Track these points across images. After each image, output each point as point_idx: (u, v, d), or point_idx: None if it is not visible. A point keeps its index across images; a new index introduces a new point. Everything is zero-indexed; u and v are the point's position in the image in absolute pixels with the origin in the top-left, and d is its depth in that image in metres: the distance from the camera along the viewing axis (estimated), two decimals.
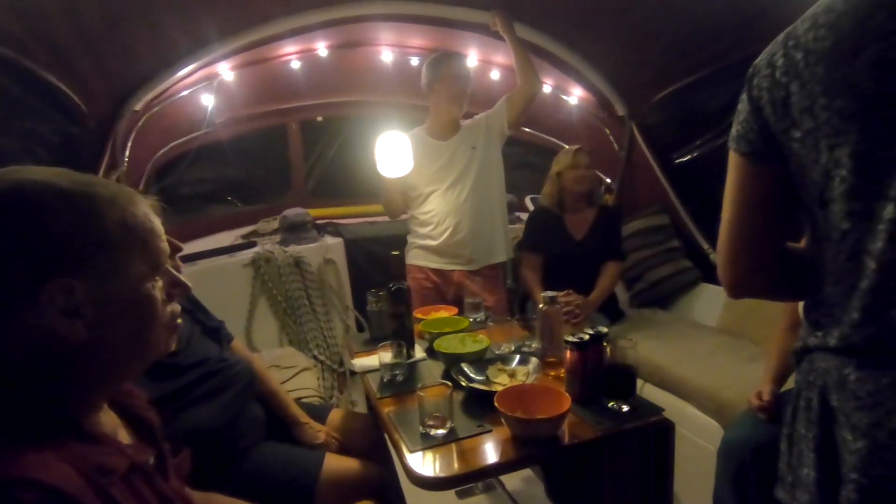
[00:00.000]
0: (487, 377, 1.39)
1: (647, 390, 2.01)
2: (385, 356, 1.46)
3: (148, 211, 0.65)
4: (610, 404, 1.22)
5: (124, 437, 0.70)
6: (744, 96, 0.74)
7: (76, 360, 0.59)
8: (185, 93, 2.27)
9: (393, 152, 1.95)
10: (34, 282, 0.55)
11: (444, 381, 1.24)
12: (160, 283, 0.66)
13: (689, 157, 2.80)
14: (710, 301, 2.54)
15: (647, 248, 2.75)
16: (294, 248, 2.52)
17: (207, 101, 2.38)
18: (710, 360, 2.00)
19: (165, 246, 0.67)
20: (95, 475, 0.54)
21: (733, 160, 0.75)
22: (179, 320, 0.70)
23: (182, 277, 0.70)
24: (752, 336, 2.16)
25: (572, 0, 2.12)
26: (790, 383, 1.45)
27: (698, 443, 1.76)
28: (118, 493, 0.56)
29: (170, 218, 2.75)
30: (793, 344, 1.46)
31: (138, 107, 2.04)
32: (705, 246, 2.69)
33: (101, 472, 0.55)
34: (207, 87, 2.33)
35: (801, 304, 1.35)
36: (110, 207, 0.60)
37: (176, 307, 0.69)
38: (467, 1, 2.15)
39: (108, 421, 0.68)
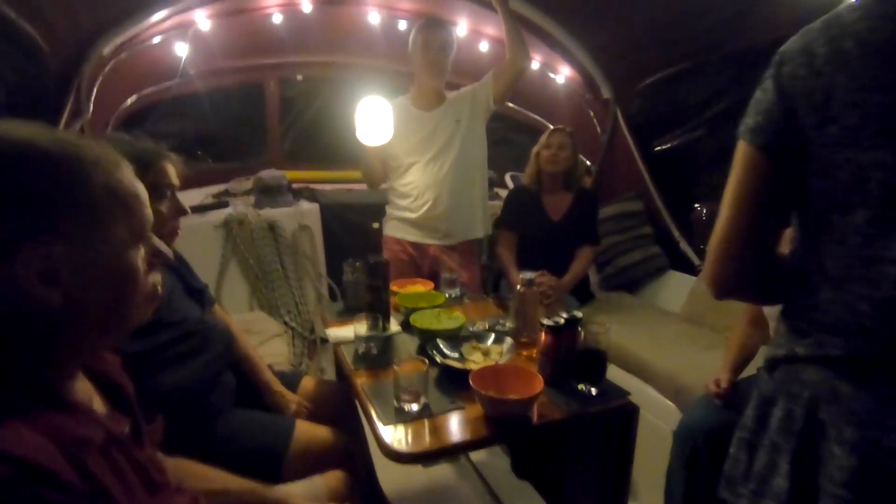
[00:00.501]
0: (462, 354, 1.41)
1: (612, 371, 2.05)
2: (360, 328, 1.46)
3: (133, 177, 0.62)
4: (580, 387, 1.26)
5: (99, 405, 0.68)
6: (767, 84, 0.68)
7: (51, 326, 0.56)
8: (157, 39, 2.13)
9: (373, 119, 1.89)
10: (10, 243, 0.52)
11: (419, 357, 1.25)
12: (142, 252, 0.63)
13: (668, 145, 2.85)
14: (676, 288, 2.63)
15: (620, 234, 2.81)
16: (268, 212, 2.46)
17: (181, 50, 2.24)
18: (672, 346, 2.08)
19: (150, 213, 0.64)
20: (71, 447, 0.52)
21: (745, 153, 0.69)
22: (160, 289, 0.68)
23: (163, 245, 0.67)
24: (712, 324, 2.25)
25: None
26: (748, 371, 1.53)
27: (657, 423, 1.85)
28: (94, 465, 0.55)
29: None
30: (753, 337, 1.55)
31: (106, 51, 1.91)
32: (676, 234, 2.76)
33: (78, 444, 0.54)
34: (182, 35, 2.20)
35: (766, 308, 1.41)
36: (94, 170, 0.57)
37: (157, 277, 0.67)
38: None
39: (83, 388, 0.66)
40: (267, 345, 2.01)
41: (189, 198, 2.56)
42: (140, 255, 0.63)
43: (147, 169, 1.05)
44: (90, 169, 0.57)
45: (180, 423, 0.95)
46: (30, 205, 0.53)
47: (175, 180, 1.15)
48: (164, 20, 2.01)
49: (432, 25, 2.05)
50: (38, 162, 0.54)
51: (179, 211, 1.16)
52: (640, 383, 1.99)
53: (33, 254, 0.53)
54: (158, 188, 1.09)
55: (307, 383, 1.58)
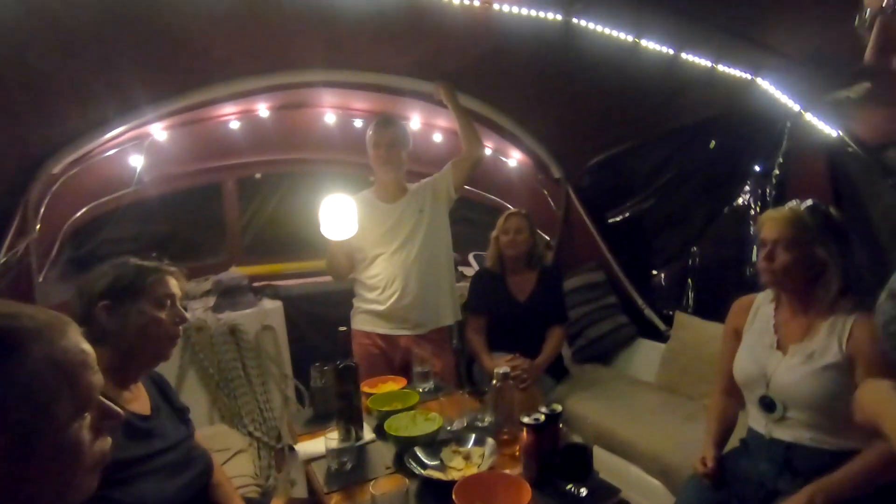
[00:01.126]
0: (442, 461, 1.34)
1: (596, 453, 2.02)
2: (332, 440, 1.37)
3: (80, 339, 0.59)
4: (568, 487, 1.20)
5: None
6: None
7: None
8: (110, 153, 2.13)
9: (337, 215, 1.91)
10: None
11: (397, 472, 1.17)
12: (88, 420, 0.58)
13: (620, 217, 2.98)
14: (647, 356, 2.65)
15: (586, 305, 2.84)
16: (229, 315, 2.36)
17: (136, 161, 2.23)
18: (652, 420, 2.06)
19: (98, 378, 0.60)
20: None
21: None
22: (108, 457, 0.61)
23: (114, 407, 0.62)
24: (688, 392, 2.25)
25: (513, 79, 2.25)
26: (731, 442, 1.51)
27: None
28: None
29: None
30: (729, 407, 1.54)
31: (56, 169, 1.88)
32: (640, 302, 2.82)
33: None
34: (137, 146, 2.20)
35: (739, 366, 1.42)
36: (36, 343, 0.53)
37: (105, 443, 0.61)
38: (411, 72, 2.21)
39: None
40: (231, 463, 1.85)
41: None
42: (85, 426, 0.58)
43: (147, 281, 1.13)
44: (30, 343, 0.53)
45: None
46: None
47: (176, 290, 1.19)
48: (119, 135, 2.01)
49: (380, 124, 2.14)
50: None
51: (180, 319, 1.18)
52: (626, 464, 1.93)
53: None
54: (159, 299, 1.14)
55: None
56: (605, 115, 2.40)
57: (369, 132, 2.14)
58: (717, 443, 1.51)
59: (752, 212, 2.39)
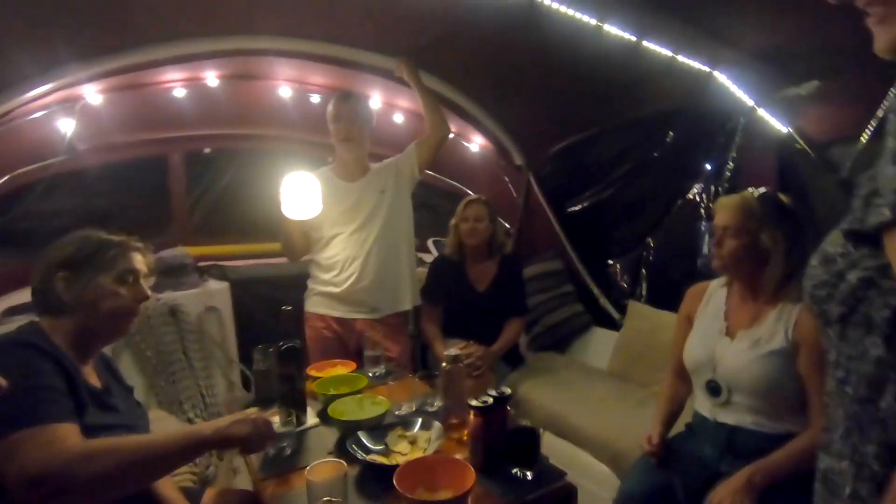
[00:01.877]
0: (387, 445, 1.28)
1: (546, 439, 2.02)
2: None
3: None
4: (514, 471, 1.17)
5: None
6: None
7: None
8: (36, 115, 1.94)
9: (300, 194, 1.82)
10: None
11: (336, 459, 1.11)
12: None
13: (579, 206, 2.99)
14: (600, 344, 2.68)
15: (543, 293, 2.84)
16: (170, 295, 2.23)
17: (66, 125, 2.05)
18: (603, 407, 2.07)
19: None
20: None
21: None
22: None
23: None
24: (640, 379, 2.28)
25: (475, 58, 2.19)
26: (678, 427, 1.53)
27: (596, 492, 1.78)
28: None
29: (8, 257, 2.31)
30: (679, 390, 1.57)
31: None
32: (595, 290, 2.85)
33: None
34: (67, 110, 2.02)
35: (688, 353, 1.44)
36: None
37: None
38: (371, 46, 2.13)
39: None
40: None
41: None
42: None
43: (109, 254, 1.10)
44: None
45: None
46: None
47: (141, 266, 1.17)
48: (43, 95, 1.83)
49: (341, 98, 2.05)
50: None
51: (141, 296, 1.15)
52: (575, 450, 1.94)
53: None
54: (121, 274, 1.12)
55: (211, 497, 1.35)
56: (568, 100, 2.39)
57: (329, 107, 2.04)
58: (664, 422, 1.53)
59: (703, 206, 2.44)
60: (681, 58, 1.99)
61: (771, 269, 1.32)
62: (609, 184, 2.83)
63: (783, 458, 1.22)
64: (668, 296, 2.28)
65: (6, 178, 2.04)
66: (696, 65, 2.04)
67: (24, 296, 2.06)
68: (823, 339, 0.71)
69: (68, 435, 0.92)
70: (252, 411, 1.20)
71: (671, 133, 2.49)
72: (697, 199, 2.45)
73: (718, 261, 1.39)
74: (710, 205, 2.37)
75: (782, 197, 1.38)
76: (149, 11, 1.66)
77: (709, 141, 2.36)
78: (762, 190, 1.38)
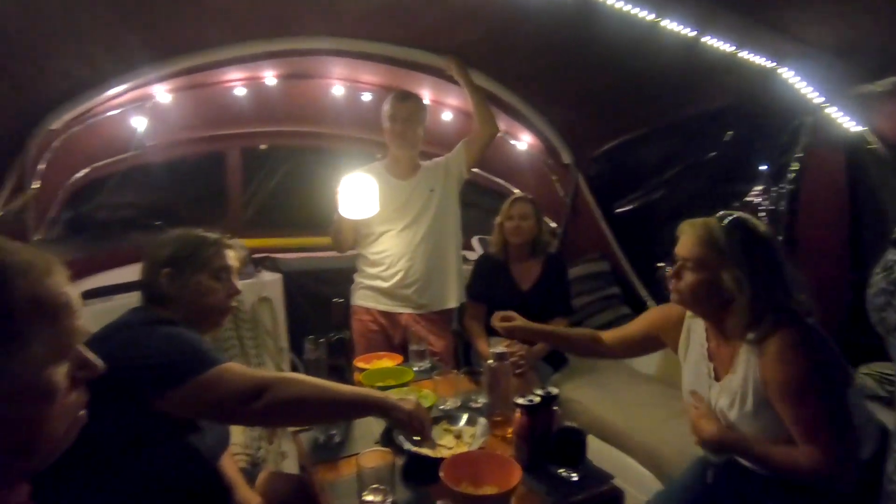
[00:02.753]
0: (432, 438, 1.31)
1: (590, 442, 1.99)
2: None
3: (66, 283, 0.56)
4: (560, 471, 1.17)
5: None
6: None
7: None
8: (113, 113, 2.08)
9: (358, 194, 1.87)
10: None
11: (384, 448, 1.14)
12: (65, 368, 0.55)
13: (628, 206, 2.92)
14: None
15: (589, 294, 2.80)
16: None
17: (138, 122, 2.19)
18: (648, 412, 2.02)
19: (79, 325, 0.57)
20: None
21: None
22: (83, 412, 0.58)
23: (93, 358, 0.59)
24: None
25: (526, 55, 2.18)
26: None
27: (639, 498, 1.74)
28: None
29: (84, 244, 2.48)
30: (600, 346, 1.53)
31: (56, 125, 1.84)
32: (643, 293, 2.77)
33: None
34: (139, 108, 2.16)
35: None
36: (20, 278, 0.51)
37: (81, 396, 0.58)
38: (422, 44, 2.15)
39: None
40: None
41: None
42: (63, 372, 0.55)
43: (206, 253, 1.19)
44: (13, 278, 0.51)
45: None
46: None
47: (234, 263, 1.25)
48: (120, 94, 1.97)
49: (398, 97, 2.09)
50: None
51: (233, 291, 1.24)
52: (620, 455, 1.90)
53: None
54: (216, 271, 1.20)
55: (263, 479, 1.43)
56: (620, 98, 2.33)
57: (386, 106, 2.08)
58: (545, 332, 1.63)
59: (762, 209, 2.33)
60: (743, 53, 1.91)
61: (733, 315, 1.15)
62: (660, 184, 2.75)
63: (758, 448, 1.12)
64: None
65: (87, 170, 2.20)
66: (759, 60, 1.95)
67: (100, 280, 2.23)
68: (888, 348, 0.68)
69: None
70: (413, 396, 1.29)
71: (729, 132, 2.39)
72: (756, 201, 2.35)
73: (675, 294, 1.25)
74: (771, 208, 2.27)
75: (756, 224, 1.18)
76: (214, 16, 1.74)
77: (770, 140, 2.25)
78: (732, 216, 1.18)
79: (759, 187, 2.34)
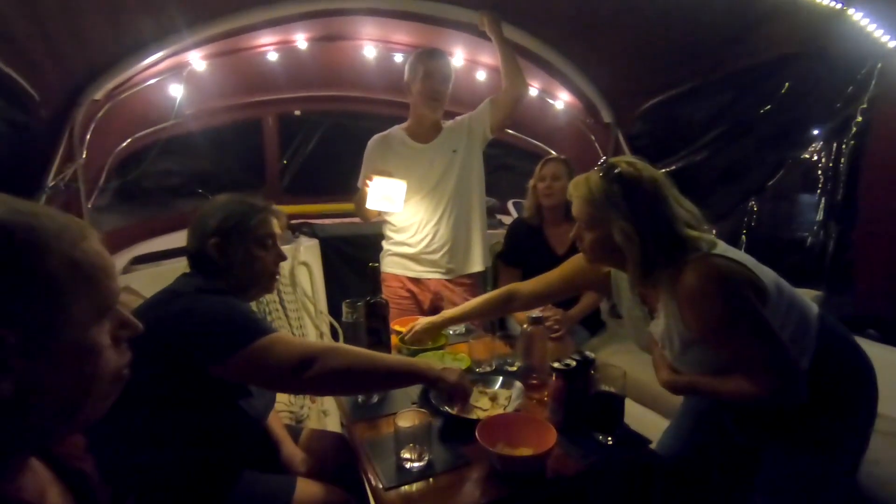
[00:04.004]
0: (470, 405, 1.32)
1: (627, 406, 1.98)
2: None
3: (100, 247, 0.57)
4: (596, 436, 1.16)
5: (55, 496, 0.61)
6: None
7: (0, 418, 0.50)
8: (151, 82, 2.11)
9: (386, 195, 1.90)
10: None
11: (420, 409, 1.16)
12: (107, 327, 0.57)
13: (672, 167, 2.79)
14: None
15: None
16: None
17: (176, 91, 2.22)
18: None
19: (117, 286, 0.59)
20: None
21: None
22: (126, 371, 0.61)
23: (132, 318, 0.61)
24: None
25: (564, 7, 2.06)
26: None
27: None
28: None
29: (132, 212, 2.56)
30: (511, 301, 1.52)
31: (98, 96, 1.88)
32: None
33: None
34: (176, 76, 2.18)
35: None
36: (55, 243, 0.52)
37: (124, 354, 0.60)
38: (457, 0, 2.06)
39: (34, 482, 0.58)
40: None
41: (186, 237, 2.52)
42: (105, 331, 0.57)
43: (252, 222, 1.21)
44: (50, 242, 0.52)
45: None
46: None
47: (277, 230, 1.27)
48: (157, 62, 1.99)
49: (434, 56, 2.02)
50: None
51: (279, 257, 1.27)
52: (660, 419, 1.88)
53: None
54: (262, 239, 1.22)
55: (307, 436, 1.49)
56: (665, 51, 2.18)
57: (416, 63, 2.02)
58: (455, 316, 1.58)
59: (822, 167, 2.17)
60: None
61: (629, 267, 1.12)
62: (705, 145, 2.60)
63: (709, 387, 1.12)
64: (770, 265, 2.10)
65: (129, 140, 2.26)
66: (823, 1, 1.78)
67: (146, 247, 2.32)
68: None
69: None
70: (457, 366, 1.34)
71: (786, 83, 2.21)
72: (815, 158, 2.19)
73: (585, 256, 1.26)
74: (830, 166, 2.11)
75: (637, 169, 1.12)
76: None
77: (833, 91, 2.07)
78: (611, 166, 1.14)
79: (819, 142, 2.18)
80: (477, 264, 2.16)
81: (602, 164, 1.17)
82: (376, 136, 2.15)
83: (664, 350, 1.19)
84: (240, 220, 1.19)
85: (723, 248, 1.10)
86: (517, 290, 1.54)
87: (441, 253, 2.08)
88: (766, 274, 1.09)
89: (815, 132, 2.19)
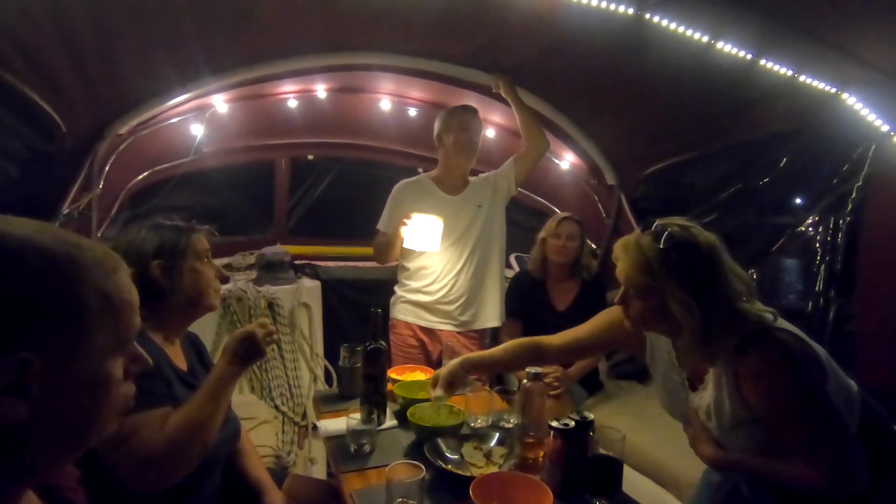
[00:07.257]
0: (462, 456, 1.29)
1: (625, 473, 1.92)
2: (353, 421, 1.36)
3: (129, 282, 0.59)
4: (593, 501, 1.13)
5: None
6: None
7: (9, 442, 0.49)
8: (174, 120, 2.21)
9: (425, 232, 1.92)
10: None
11: (414, 462, 1.13)
12: (121, 361, 0.58)
13: None
14: None
15: None
16: (268, 289, 2.41)
17: (197, 130, 2.31)
18: (686, 444, 1.92)
19: (138, 321, 0.60)
20: None
21: None
22: (131, 403, 0.61)
23: (143, 353, 0.62)
24: None
25: (576, 76, 2.17)
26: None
27: None
28: None
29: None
30: (538, 354, 1.44)
31: (122, 130, 1.96)
32: None
33: None
34: (198, 116, 2.28)
35: None
36: (91, 273, 0.54)
37: (130, 389, 0.60)
38: (474, 63, 2.18)
39: None
40: (254, 432, 1.87)
41: None
42: (119, 364, 0.58)
43: (188, 240, 1.20)
44: (87, 272, 0.53)
45: None
46: (21, 310, 0.48)
47: (207, 247, 1.26)
48: (182, 103, 2.08)
49: (468, 110, 2.11)
50: (37, 263, 0.50)
51: (219, 272, 1.27)
52: (658, 489, 1.82)
53: (6, 367, 0.47)
54: (200, 254, 1.23)
55: (293, 482, 1.44)
56: (670, 121, 2.28)
57: (452, 117, 2.09)
58: (484, 363, 1.47)
59: (819, 239, 2.22)
60: (803, 77, 1.84)
61: (684, 342, 1.06)
62: (709, 209, 2.66)
63: (762, 468, 1.06)
64: None
65: (147, 173, 2.33)
66: (819, 85, 1.87)
67: None
68: None
69: (165, 417, 1.02)
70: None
71: (785, 157, 2.30)
72: (812, 231, 2.23)
73: (628, 321, 1.15)
74: (828, 238, 2.15)
75: (693, 235, 1.06)
76: (271, 31, 1.83)
77: (830, 168, 2.15)
78: (666, 230, 1.05)
79: (816, 216, 2.23)
80: (492, 319, 2.16)
81: (650, 225, 1.10)
82: (405, 181, 2.17)
83: (709, 423, 1.12)
84: (177, 239, 1.19)
85: (782, 321, 1.05)
86: (542, 343, 1.45)
87: (456, 305, 2.08)
88: (818, 348, 1.04)
89: (813, 205, 2.25)
